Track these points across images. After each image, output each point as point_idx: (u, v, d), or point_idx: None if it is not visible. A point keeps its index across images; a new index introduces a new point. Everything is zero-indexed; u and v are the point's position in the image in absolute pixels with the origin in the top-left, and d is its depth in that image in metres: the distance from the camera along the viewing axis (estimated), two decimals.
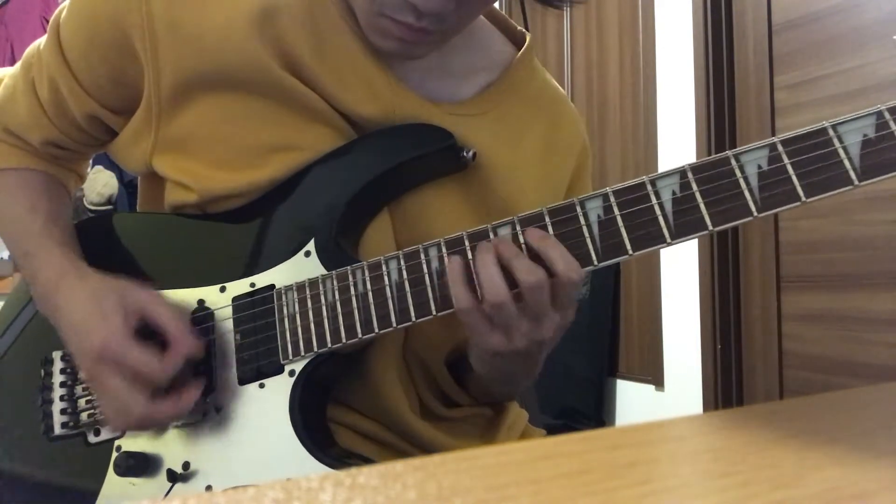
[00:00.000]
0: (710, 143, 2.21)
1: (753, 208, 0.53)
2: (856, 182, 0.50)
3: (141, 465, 0.67)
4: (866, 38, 1.87)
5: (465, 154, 0.68)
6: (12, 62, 3.24)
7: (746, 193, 0.53)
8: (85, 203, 2.73)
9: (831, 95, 1.95)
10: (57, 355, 0.73)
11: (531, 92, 0.77)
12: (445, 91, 0.72)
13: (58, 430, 0.72)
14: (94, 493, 0.69)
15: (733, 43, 2.23)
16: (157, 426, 0.66)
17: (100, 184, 2.75)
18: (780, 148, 0.53)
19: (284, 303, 0.65)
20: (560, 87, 0.82)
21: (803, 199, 0.52)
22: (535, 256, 0.58)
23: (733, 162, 0.54)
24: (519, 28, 0.80)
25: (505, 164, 0.72)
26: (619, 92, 2.67)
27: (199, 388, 0.64)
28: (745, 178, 0.53)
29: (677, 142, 2.34)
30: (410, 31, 0.63)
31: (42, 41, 0.75)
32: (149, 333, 0.65)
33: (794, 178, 0.52)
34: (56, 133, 0.76)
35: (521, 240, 0.59)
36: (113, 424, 0.66)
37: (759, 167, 0.53)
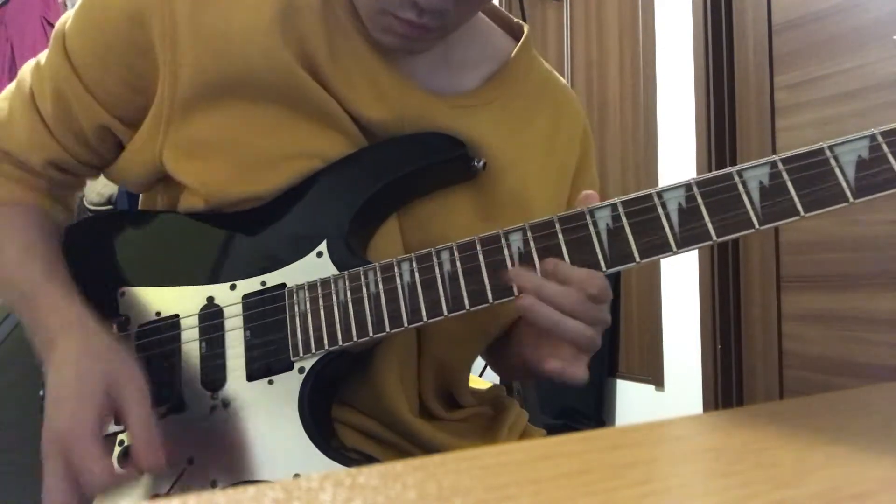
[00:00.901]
0: (710, 143, 2.21)
1: (755, 221, 0.56)
2: (851, 199, 0.54)
3: None
4: (866, 38, 1.87)
5: (475, 164, 0.69)
6: (12, 62, 3.24)
7: (748, 207, 0.56)
8: (85, 203, 2.73)
9: (831, 95, 1.95)
10: None
11: (533, 81, 0.78)
12: (450, 83, 0.73)
13: None
14: None
15: (733, 43, 2.23)
16: None
17: (100, 184, 2.74)
18: (780, 165, 0.56)
19: (295, 301, 0.66)
20: (561, 77, 0.82)
21: (802, 213, 0.55)
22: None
23: (736, 177, 0.57)
24: (516, 20, 0.81)
25: (510, 154, 0.72)
26: (619, 92, 2.67)
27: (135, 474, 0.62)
28: (748, 193, 0.56)
29: (677, 142, 2.34)
30: (412, 27, 0.64)
31: (40, 58, 0.74)
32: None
33: (794, 194, 0.55)
34: (59, 151, 0.74)
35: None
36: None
37: (761, 182, 0.56)
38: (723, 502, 0.25)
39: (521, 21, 0.80)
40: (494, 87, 0.74)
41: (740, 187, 0.57)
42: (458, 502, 0.24)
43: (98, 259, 0.76)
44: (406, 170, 0.68)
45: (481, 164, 0.69)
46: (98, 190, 2.74)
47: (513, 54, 0.77)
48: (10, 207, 0.75)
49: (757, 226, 0.56)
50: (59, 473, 0.61)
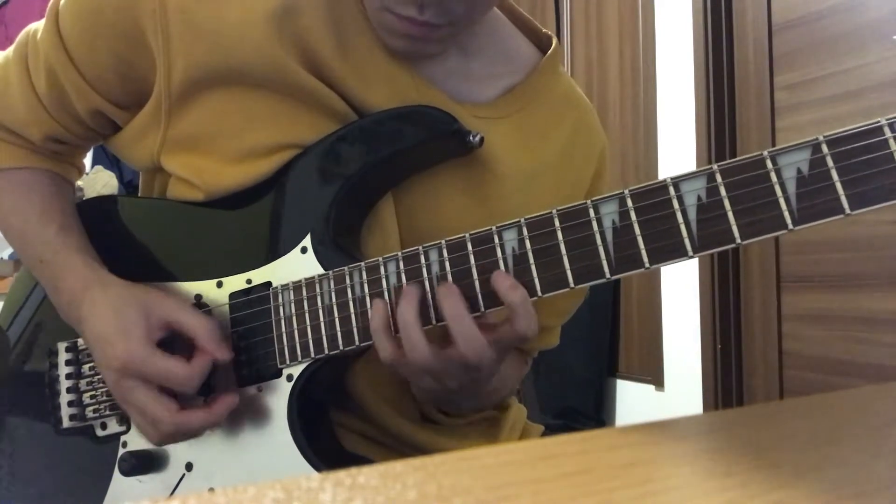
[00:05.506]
0: (710, 143, 2.21)
1: (789, 220, 0.47)
2: None
3: (145, 464, 0.67)
4: (866, 38, 1.87)
5: (471, 139, 0.65)
6: None
7: (782, 202, 0.48)
8: None
9: (831, 95, 1.95)
10: (61, 346, 0.73)
11: (554, 97, 0.75)
12: (468, 92, 0.71)
13: (66, 423, 0.71)
14: (105, 487, 0.68)
15: (733, 43, 2.23)
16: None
17: (99, 184, 2.75)
18: (824, 149, 0.47)
19: (281, 303, 0.64)
20: (584, 95, 0.80)
21: (847, 210, 0.46)
22: (497, 299, 0.56)
23: (769, 164, 0.48)
24: (545, 31, 0.78)
25: (523, 170, 0.70)
26: (619, 92, 2.67)
27: (235, 396, 0.63)
28: (782, 184, 0.48)
29: (677, 142, 2.34)
30: (415, 25, 0.62)
31: (38, 27, 0.72)
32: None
33: (839, 186, 0.46)
34: (57, 128, 0.73)
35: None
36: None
37: (799, 171, 0.47)
38: (723, 502, 0.25)
39: (549, 33, 0.77)
40: (513, 101, 0.72)
41: (773, 177, 0.48)
42: (458, 502, 0.24)
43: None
44: (394, 149, 0.65)
45: (477, 139, 0.65)
46: (98, 190, 2.74)
47: (536, 68, 0.74)
48: (22, 170, 0.75)
49: (791, 226, 0.47)
50: (147, 394, 0.61)
